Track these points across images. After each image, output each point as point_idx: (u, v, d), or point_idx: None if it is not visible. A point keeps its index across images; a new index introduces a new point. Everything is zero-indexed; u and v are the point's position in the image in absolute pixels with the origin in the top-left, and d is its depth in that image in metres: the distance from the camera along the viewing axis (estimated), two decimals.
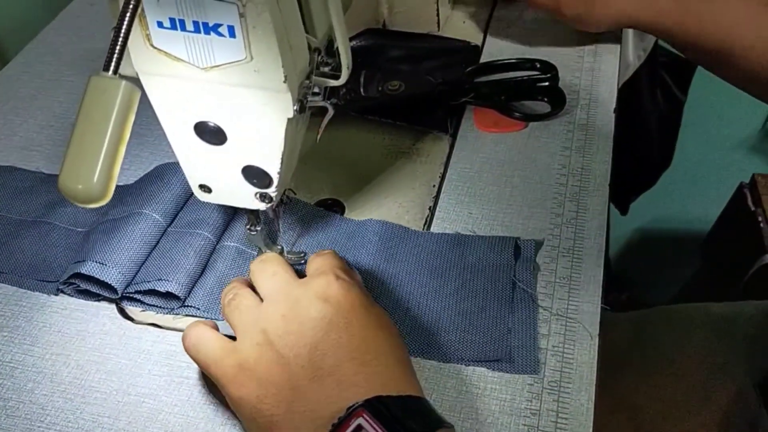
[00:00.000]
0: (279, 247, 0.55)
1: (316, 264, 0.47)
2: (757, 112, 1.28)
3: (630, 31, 0.92)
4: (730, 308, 0.78)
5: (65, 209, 0.58)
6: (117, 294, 0.51)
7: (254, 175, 0.47)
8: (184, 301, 0.52)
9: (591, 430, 0.45)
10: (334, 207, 0.60)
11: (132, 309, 0.53)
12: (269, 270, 0.47)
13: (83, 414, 0.48)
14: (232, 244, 0.55)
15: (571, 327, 0.50)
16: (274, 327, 0.43)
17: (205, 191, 0.49)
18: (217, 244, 0.55)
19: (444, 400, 0.47)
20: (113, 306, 0.53)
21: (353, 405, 0.38)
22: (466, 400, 0.47)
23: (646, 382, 0.73)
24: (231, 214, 0.57)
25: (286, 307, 0.43)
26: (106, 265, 0.51)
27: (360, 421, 0.37)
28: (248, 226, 0.53)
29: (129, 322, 0.53)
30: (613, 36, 0.74)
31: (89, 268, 0.51)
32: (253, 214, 0.52)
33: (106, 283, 0.51)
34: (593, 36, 0.73)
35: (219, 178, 0.48)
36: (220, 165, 0.47)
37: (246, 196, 0.49)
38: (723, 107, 1.28)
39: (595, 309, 0.51)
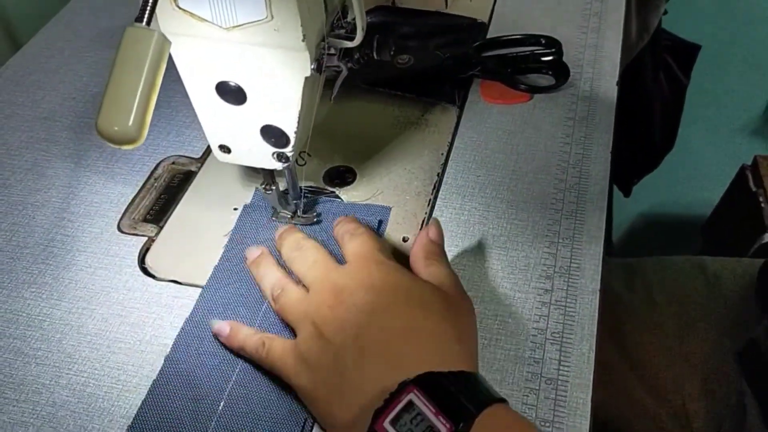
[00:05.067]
0: (292, 207, 0.58)
1: (354, 248, 0.49)
2: (759, 96, 1.30)
3: (633, 12, 0.94)
4: (722, 264, 0.81)
5: None
6: None
7: (272, 134, 0.49)
8: None
9: (592, 376, 0.47)
10: (346, 173, 0.62)
11: (153, 267, 0.56)
12: (309, 258, 0.50)
13: (109, 362, 0.50)
14: None
15: (573, 283, 0.53)
16: (322, 317, 0.45)
17: (224, 152, 0.52)
18: None
19: None
20: (135, 264, 0.56)
21: (404, 381, 0.39)
22: None
23: (637, 328, 0.76)
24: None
25: (332, 296, 0.46)
26: None
27: (411, 396, 0.38)
28: (264, 186, 0.55)
29: (151, 279, 0.55)
30: (616, 14, 0.76)
31: None
32: (269, 173, 0.54)
33: None
34: (597, 14, 0.76)
35: (238, 138, 0.50)
36: (240, 125, 0.49)
37: (264, 156, 0.51)
38: (726, 91, 1.29)
39: (596, 267, 0.54)
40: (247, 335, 0.48)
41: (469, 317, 0.47)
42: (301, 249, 0.51)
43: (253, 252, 0.53)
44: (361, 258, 0.48)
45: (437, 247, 0.50)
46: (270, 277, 0.51)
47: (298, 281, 0.50)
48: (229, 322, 0.50)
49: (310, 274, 0.49)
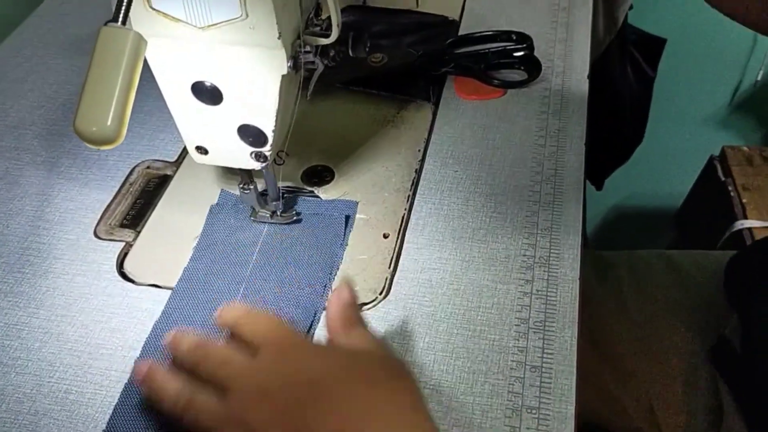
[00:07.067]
0: (271, 207, 0.57)
1: (262, 333, 0.44)
2: (725, 87, 1.32)
3: (600, 7, 0.95)
4: (689, 257, 0.82)
5: None
6: None
7: (250, 133, 0.49)
8: None
9: (575, 362, 0.48)
10: (324, 172, 0.62)
11: (132, 272, 0.55)
12: (218, 358, 0.44)
13: (91, 369, 0.50)
14: None
15: (553, 272, 0.53)
16: (255, 420, 0.39)
17: (201, 153, 0.52)
18: None
19: (436, 342, 0.50)
20: (114, 270, 0.55)
21: None
22: (457, 341, 0.50)
23: (607, 321, 0.77)
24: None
25: (258, 397, 0.40)
26: None
27: None
28: (241, 185, 0.55)
29: (130, 284, 0.55)
30: (585, 9, 0.78)
31: None
32: (247, 172, 0.54)
33: None
34: (565, 9, 0.77)
35: (215, 138, 0.50)
36: (217, 125, 0.49)
37: (241, 156, 0.51)
38: (692, 83, 1.32)
39: (575, 255, 0.54)
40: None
41: (409, 376, 0.43)
42: (206, 352, 0.44)
43: (140, 369, 0.45)
44: (273, 346, 0.43)
45: (353, 310, 0.46)
46: (169, 388, 0.43)
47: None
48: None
49: (222, 373, 0.42)
